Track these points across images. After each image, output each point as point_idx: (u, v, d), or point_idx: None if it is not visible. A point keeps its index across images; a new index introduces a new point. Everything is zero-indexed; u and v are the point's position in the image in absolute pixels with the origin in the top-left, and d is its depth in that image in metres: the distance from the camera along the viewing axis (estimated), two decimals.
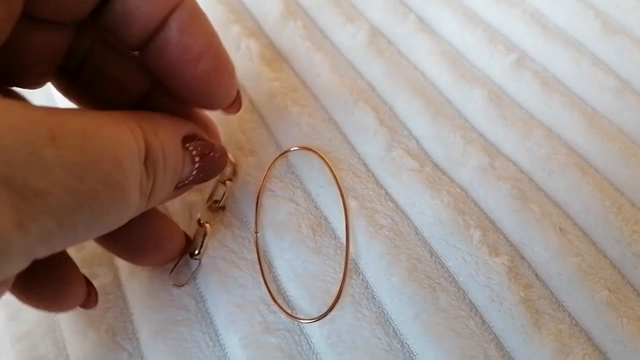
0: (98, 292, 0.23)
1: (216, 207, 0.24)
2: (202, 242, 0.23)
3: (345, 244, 0.23)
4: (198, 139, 0.19)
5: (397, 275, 0.22)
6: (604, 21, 0.32)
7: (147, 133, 0.16)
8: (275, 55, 0.31)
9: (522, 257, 0.23)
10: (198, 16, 0.18)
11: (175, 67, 0.18)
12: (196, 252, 0.23)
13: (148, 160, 0.16)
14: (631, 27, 0.32)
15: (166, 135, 0.17)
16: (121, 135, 0.15)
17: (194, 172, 0.19)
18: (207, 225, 0.23)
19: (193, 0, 0.18)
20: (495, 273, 0.22)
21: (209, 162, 0.20)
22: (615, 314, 0.21)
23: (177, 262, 0.23)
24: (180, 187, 0.19)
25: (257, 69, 0.29)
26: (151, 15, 0.16)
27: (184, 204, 0.25)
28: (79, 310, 0.22)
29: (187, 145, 0.18)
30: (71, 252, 0.23)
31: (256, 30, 0.32)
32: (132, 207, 0.15)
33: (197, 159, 0.19)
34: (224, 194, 0.24)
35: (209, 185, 0.25)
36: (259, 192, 0.25)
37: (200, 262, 0.23)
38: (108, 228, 0.15)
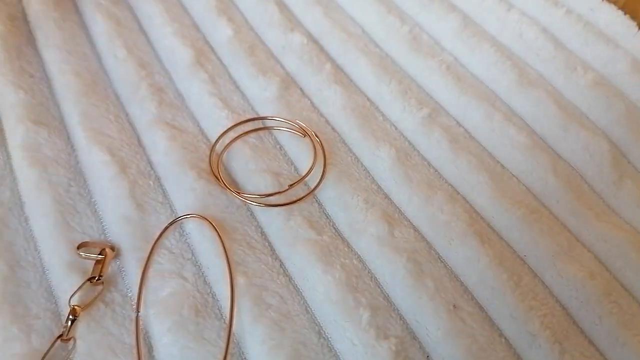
0: None
1: (95, 282, 0.23)
2: (70, 326, 0.21)
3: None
4: None
5: None
6: (521, 72, 0.31)
7: None
8: (179, 111, 0.30)
9: (414, 337, 0.22)
10: None
11: None
12: (64, 336, 0.21)
13: None
14: (549, 77, 0.31)
15: None
16: None
17: None
18: (77, 308, 0.22)
19: None
20: (381, 359, 0.21)
21: None
22: None
23: (48, 350, 0.21)
24: None
25: (159, 129, 0.28)
26: None
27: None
28: None
29: None
30: None
31: (165, 84, 0.31)
32: None
33: None
34: (101, 270, 0.23)
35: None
36: (146, 265, 0.24)
37: (74, 346, 0.22)
38: None
